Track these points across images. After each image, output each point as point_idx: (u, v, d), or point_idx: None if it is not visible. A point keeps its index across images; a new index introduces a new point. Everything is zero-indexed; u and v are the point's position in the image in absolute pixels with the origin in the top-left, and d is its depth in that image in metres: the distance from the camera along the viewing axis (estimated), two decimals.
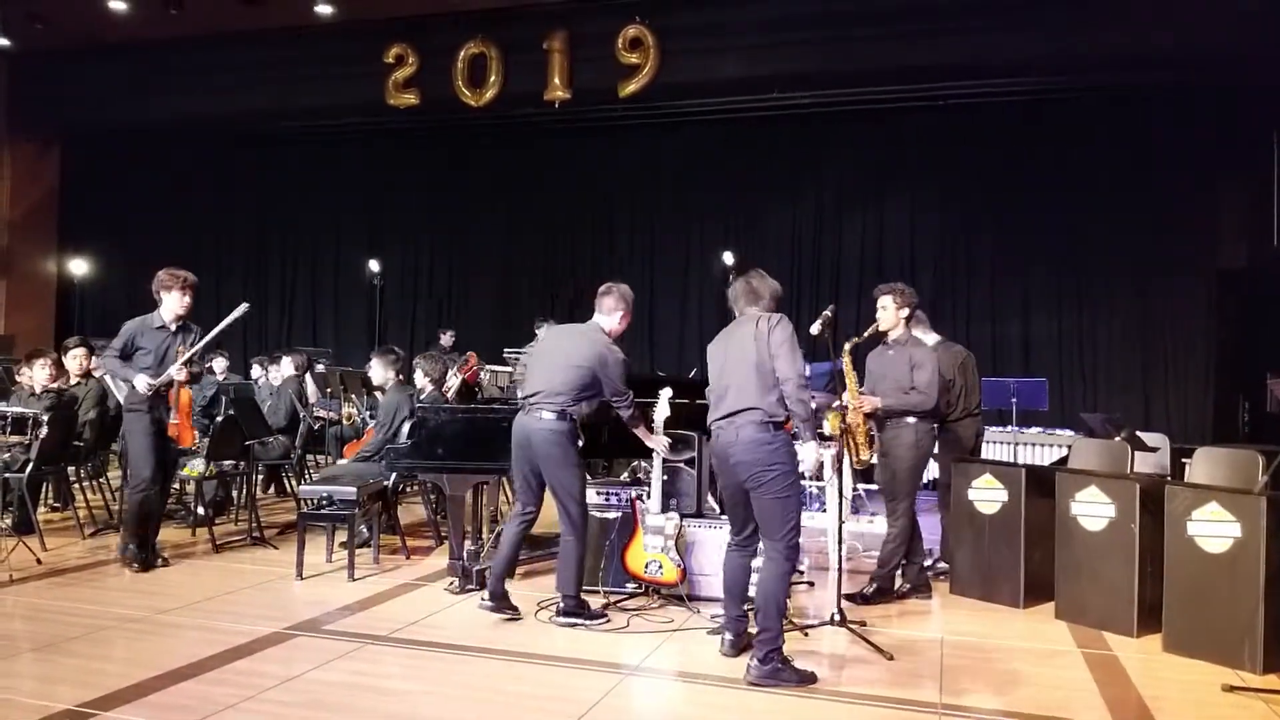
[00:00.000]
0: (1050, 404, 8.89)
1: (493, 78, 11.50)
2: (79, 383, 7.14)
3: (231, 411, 7.14)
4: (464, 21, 11.53)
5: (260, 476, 8.34)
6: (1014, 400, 8.40)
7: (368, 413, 8.49)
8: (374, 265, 13.67)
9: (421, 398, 6.36)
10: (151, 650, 4.27)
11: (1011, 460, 8.48)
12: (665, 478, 5.15)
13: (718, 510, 5.74)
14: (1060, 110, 11.02)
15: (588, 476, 5.28)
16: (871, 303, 5.51)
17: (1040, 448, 8.90)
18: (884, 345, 5.45)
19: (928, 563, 5.68)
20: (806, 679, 4.01)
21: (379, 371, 6.75)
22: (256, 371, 10.15)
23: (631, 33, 10.95)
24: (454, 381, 7.75)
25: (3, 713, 3.55)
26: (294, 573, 5.58)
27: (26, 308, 14.28)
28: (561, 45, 11.28)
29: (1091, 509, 4.95)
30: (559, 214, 13.29)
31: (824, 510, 6.89)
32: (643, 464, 5.98)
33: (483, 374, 9.41)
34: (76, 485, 7.47)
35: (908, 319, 5.38)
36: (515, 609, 4.85)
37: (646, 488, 5.27)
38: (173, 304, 5.69)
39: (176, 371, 5.59)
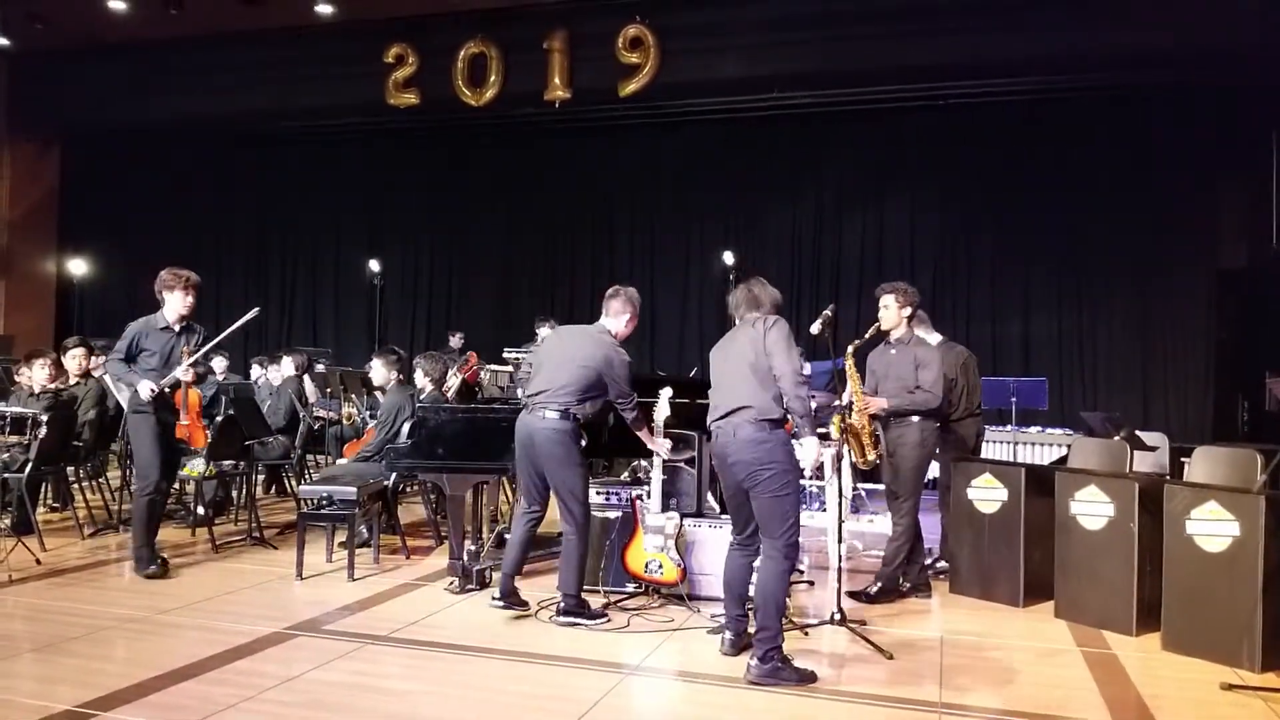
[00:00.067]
0: (1050, 403, 8.90)
1: (493, 77, 11.51)
2: (78, 383, 7.13)
3: (231, 411, 7.14)
4: (464, 21, 11.54)
5: (260, 476, 8.35)
6: (1014, 400, 8.41)
7: (368, 413, 8.49)
8: (374, 265, 13.69)
9: (421, 398, 6.37)
10: (151, 650, 4.28)
11: (1011, 459, 8.50)
12: (665, 477, 5.15)
13: (718, 510, 5.74)
14: (1060, 110, 11.02)
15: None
16: (872, 302, 5.52)
17: (1040, 447, 8.92)
18: (886, 344, 5.45)
19: (927, 562, 5.68)
20: (806, 678, 4.02)
21: (380, 372, 6.76)
22: (256, 371, 10.14)
23: (631, 32, 10.96)
24: (454, 381, 7.75)
25: (3, 713, 3.54)
26: (294, 573, 5.58)
27: (26, 308, 14.28)
28: (561, 45, 11.29)
29: (1091, 508, 4.96)
30: (559, 214, 13.28)
31: (824, 509, 6.89)
32: (643, 463, 5.97)
33: (483, 374, 9.42)
34: (76, 485, 7.47)
35: (910, 318, 5.38)
36: (525, 603, 4.92)
37: (647, 487, 5.27)
38: (176, 304, 5.66)
39: (182, 373, 5.58)
